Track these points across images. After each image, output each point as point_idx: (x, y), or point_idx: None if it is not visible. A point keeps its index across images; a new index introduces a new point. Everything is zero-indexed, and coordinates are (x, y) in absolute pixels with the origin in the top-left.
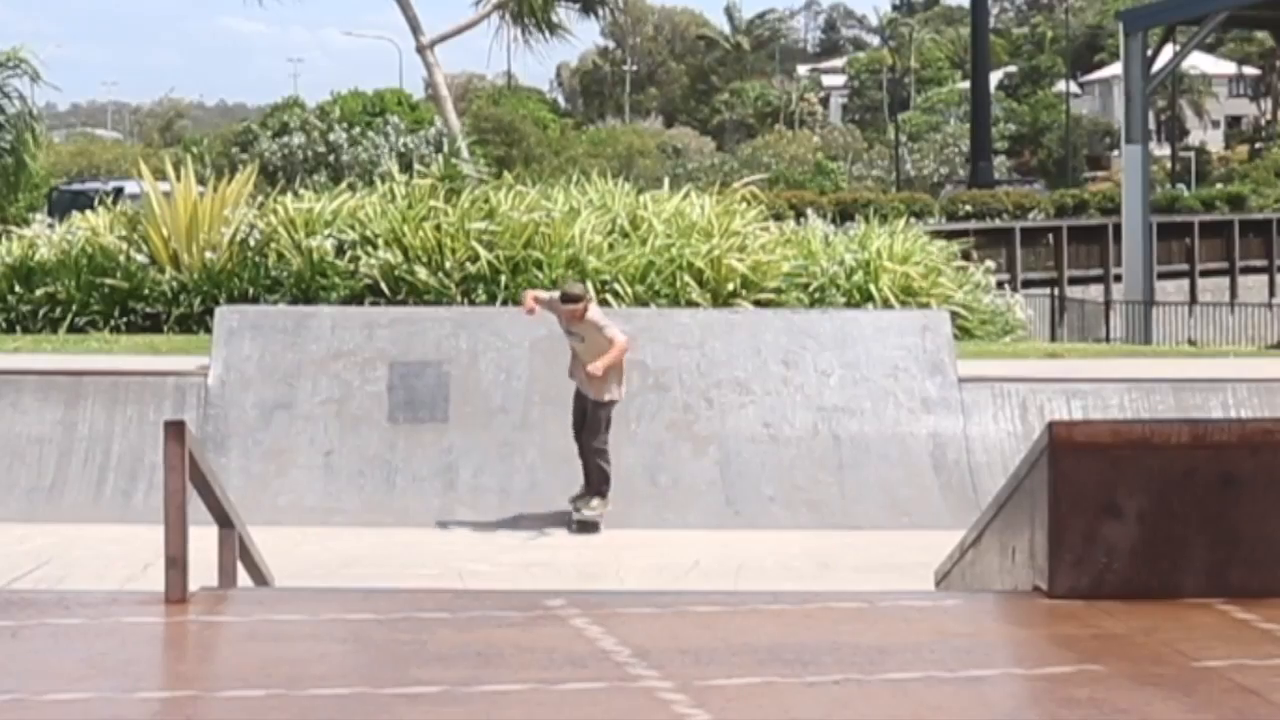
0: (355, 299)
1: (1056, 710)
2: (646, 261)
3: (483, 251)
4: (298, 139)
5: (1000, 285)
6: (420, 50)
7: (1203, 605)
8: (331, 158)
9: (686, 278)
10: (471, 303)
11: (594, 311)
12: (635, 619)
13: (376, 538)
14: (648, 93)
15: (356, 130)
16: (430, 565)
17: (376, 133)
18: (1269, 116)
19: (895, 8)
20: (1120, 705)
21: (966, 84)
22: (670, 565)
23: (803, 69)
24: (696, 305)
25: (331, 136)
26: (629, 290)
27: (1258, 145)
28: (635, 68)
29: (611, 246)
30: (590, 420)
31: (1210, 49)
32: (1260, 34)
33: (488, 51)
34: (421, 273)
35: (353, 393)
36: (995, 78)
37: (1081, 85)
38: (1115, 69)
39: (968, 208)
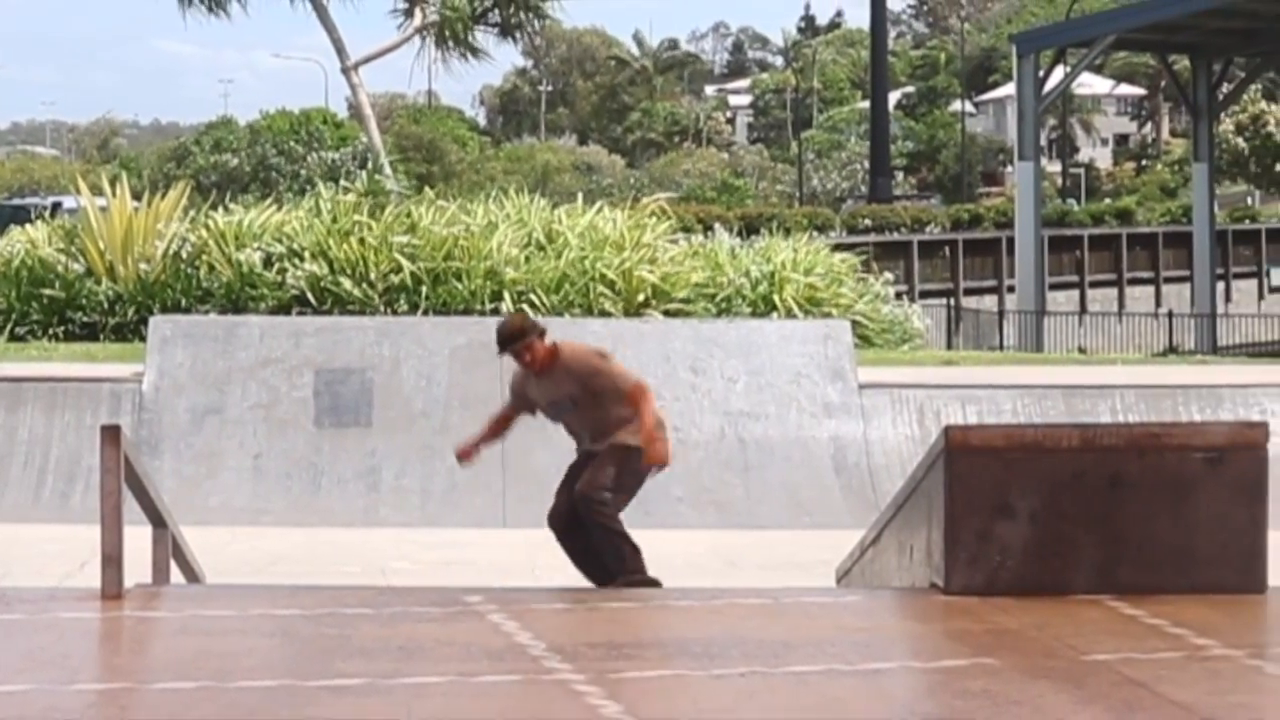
0: (283, 309)
1: (952, 702)
2: (561, 273)
3: (405, 263)
4: (231, 157)
5: (899, 296)
6: (345, 71)
7: (1092, 601)
8: (263, 174)
9: (599, 288)
10: (394, 312)
11: (572, 347)
12: (550, 615)
13: (303, 537)
14: (561, 112)
15: (286, 148)
16: (354, 563)
17: (304, 146)
18: (1154, 135)
19: (799, 31)
20: (1013, 697)
21: (866, 103)
22: None
23: (710, 89)
24: (609, 315)
25: (263, 152)
26: (545, 300)
27: (1144, 162)
28: (550, 88)
29: (528, 259)
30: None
31: (1099, 70)
32: (1146, 56)
33: (410, 72)
34: (346, 284)
35: (280, 398)
36: (894, 98)
37: (976, 105)
38: (1008, 89)
39: (868, 221)
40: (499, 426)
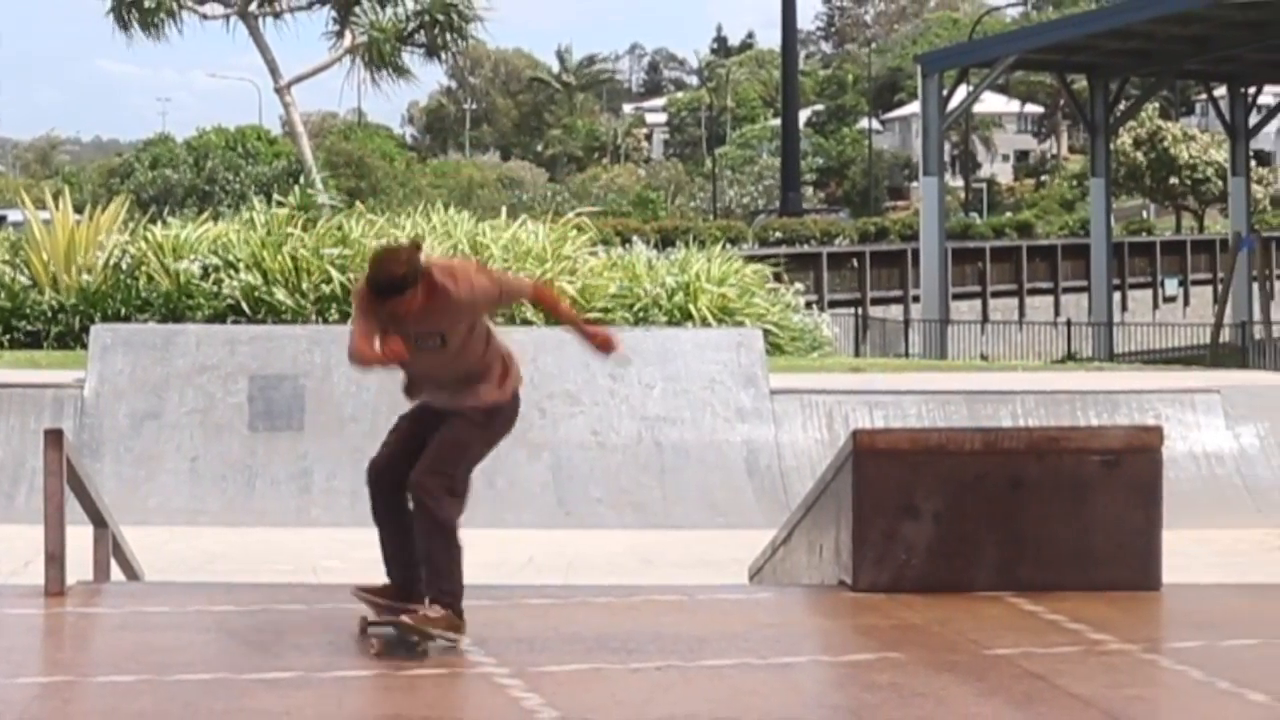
0: (219, 318)
1: (860, 694)
2: None
3: (336, 274)
4: (173, 172)
5: (808, 305)
6: (278, 90)
7: (994, 598)
8: (202, 189)
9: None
10: (325, 321)
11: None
12: (474, 610)
13: (237, 536)
14: (485, 129)
15: (229, 162)
16: (287, 561)
17: (243, 161)
18: (1054, 151)
19: (713, 51)
20: (918, 689)
21: (778, 121)
22: (506, 561)
23: (628, 107)
24: (531, 324)
25: (211, 167)
26: None
27: (1043, 177)
28: (475, 106)
29: None
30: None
31: (1000, 89)
32: (1045, 75)
33: (340, 91)
34: (280, 294)
35: (216, 404)
36: (804, 115)
37: (883, 122)
38: (914, 108)
39: (779, 234)
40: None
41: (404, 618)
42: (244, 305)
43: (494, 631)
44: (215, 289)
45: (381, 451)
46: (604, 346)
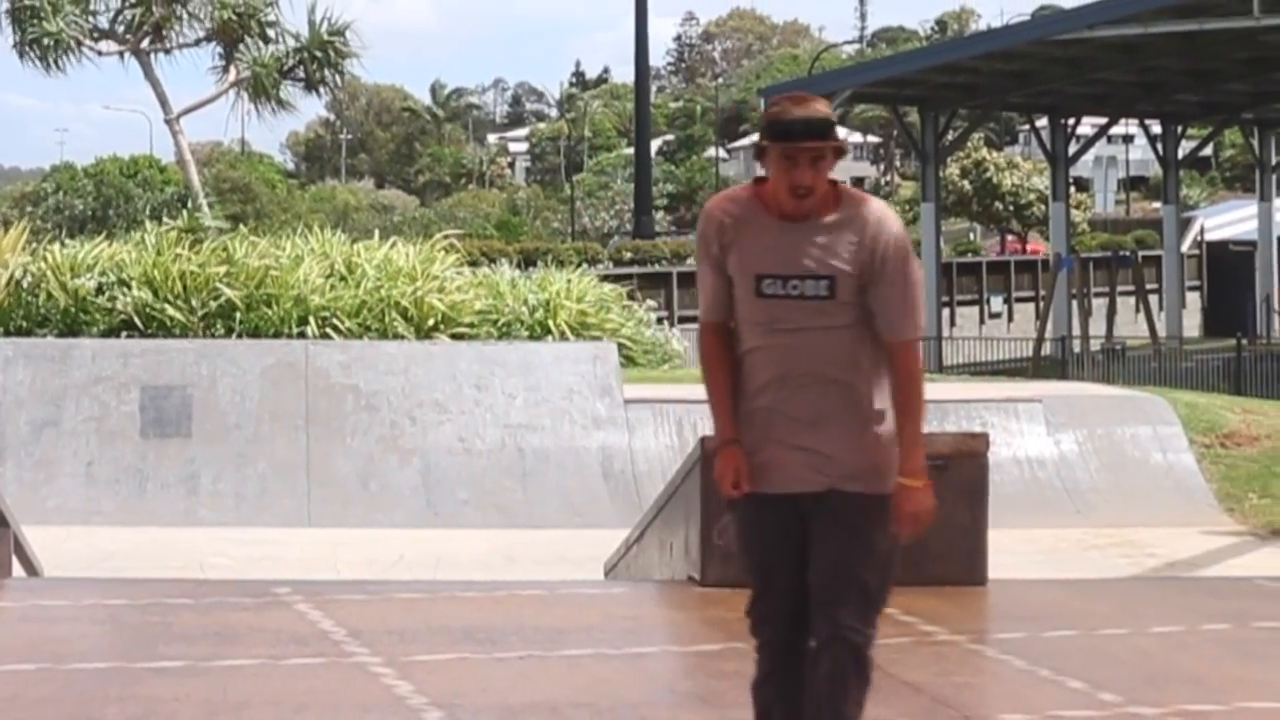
0: (113, 332)
1: (708, 681)
2: (360, 301)
3: (223, 290)
4: (75, 199)
5: (660, 320)
6: (168, 122)
7: None
8: (100, 214)
9: (394, 315)
10: (212, 335)
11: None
12: (350, 604)
13: (131, 535)
14: (361, 157)
15: (126, 189)
16: (176, 559)
17: (140, 189)
18: (888, 177)
19: (572, 85)
20: None
21: (631, 150)
22: (379, 559)
23: (492, 137)
24: (402, 338)
25: (109, 194)
26: (345, 325)
27: None
28: (351, 136)
29: (331, 288)
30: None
31: (838, 120)
32: (880, 108)
33: (225, 122)
34: (169, 310)
35: (110, 412)
36: (656, 144)
37: (729, 151)
38: (757, 138)
39: (632, 255)
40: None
41: None
42: (136, 320)
43: (368, 624)
44: (110, 305)
45: (769, 600)
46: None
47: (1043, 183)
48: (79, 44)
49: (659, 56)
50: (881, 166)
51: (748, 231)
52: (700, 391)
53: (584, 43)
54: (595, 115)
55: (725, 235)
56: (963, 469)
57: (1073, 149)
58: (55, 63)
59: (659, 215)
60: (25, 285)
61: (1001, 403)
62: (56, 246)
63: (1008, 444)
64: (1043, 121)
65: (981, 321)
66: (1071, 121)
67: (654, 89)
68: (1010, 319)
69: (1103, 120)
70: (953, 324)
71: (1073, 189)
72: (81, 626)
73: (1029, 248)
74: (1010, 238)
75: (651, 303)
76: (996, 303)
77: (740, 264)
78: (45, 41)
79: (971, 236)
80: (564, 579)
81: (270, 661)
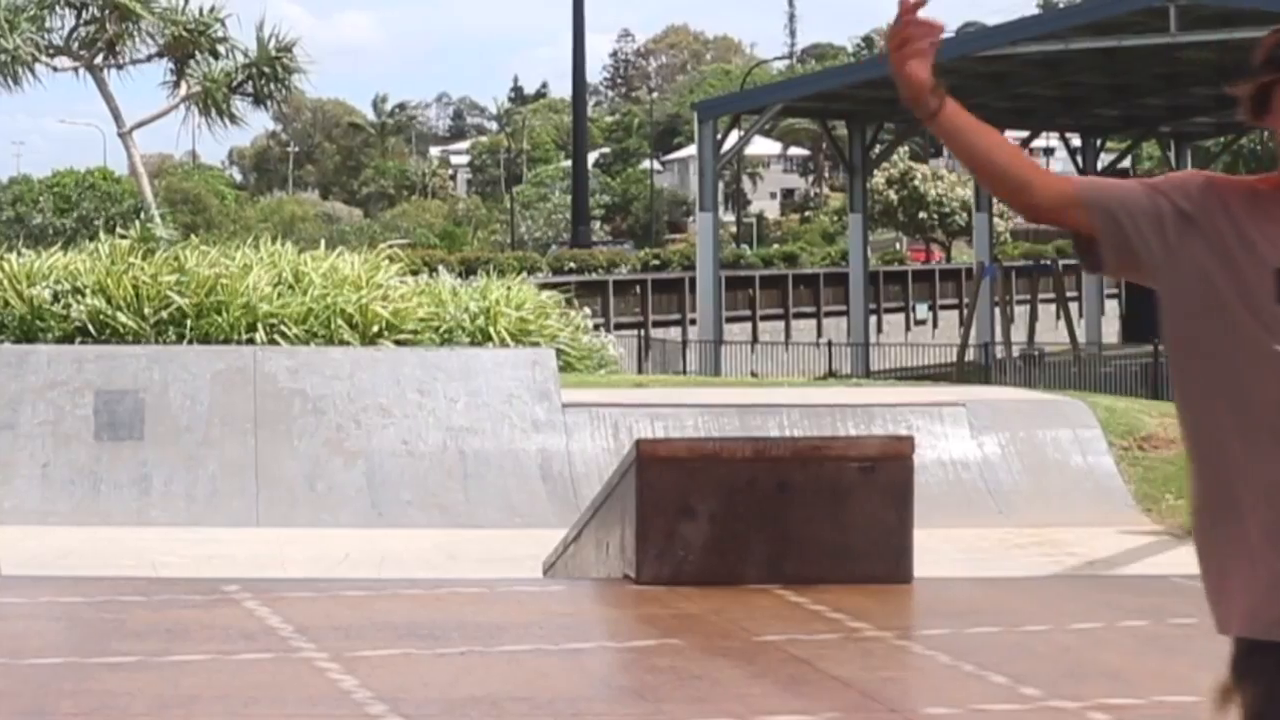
0: (68, 339)
1: (643, 676)
2: (307, 308)
3: (175, 298)
4: (33, 211)
5: (596, 327)
6: (122, 135)
7: (763, 590)
8: (60, 224)
9: (339, 321)
10: (164, 342)
11: None
12: (297, 601)
13: (85, 535)
14: (308, 169)
15: (73, 202)
16: (129, 558)
17: (97, 201)
18: (816, 189)
19: (511, 100)
20: (694, 672)
21: (569, 162)
22: (325, 557)
23: (435, 150)
24: (348, 344)
25: (60, 205)
26: (293, 331)
27: (806, 213)
28: (297, 149)
29: (279, 296)
30: None
31: (769, 134)
32: (809, 121)
33: (176, 135)
34: (122, 317)
35: (65, 416)
36: (592, 157)
37: (663, 163)
38: (691, 150)
39: (570, 264)
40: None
41: None
42: (90, 327)
43: (315, 620)
44: (65, 312)
45: None
46: None
47: (966, 193)
48: (34, 60)
49: (596, 72)
50: (811, 179)
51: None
52: (636, 396)
53: (524, 59)
54: (534, 129)
55: (1212, 221)
56: (889, 470)
57: None
58: (12, 78)
59: (596, 225)
60: None
61: (926, 406)
62: (14, 256)
63: (932, 446)
64: None
65: (908, 328)
66: None
67: (591, 103)
68: (935, 325)
69: (1024, 134)
70: (880, 330)
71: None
72: (38, 623)
73: (933, 256)
74: (916, 247)
75: (588, 310)
76: (922, 310)
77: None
78: (2, 59)
79: (898, 246)
80: (504, 577)
81: (220, 656)
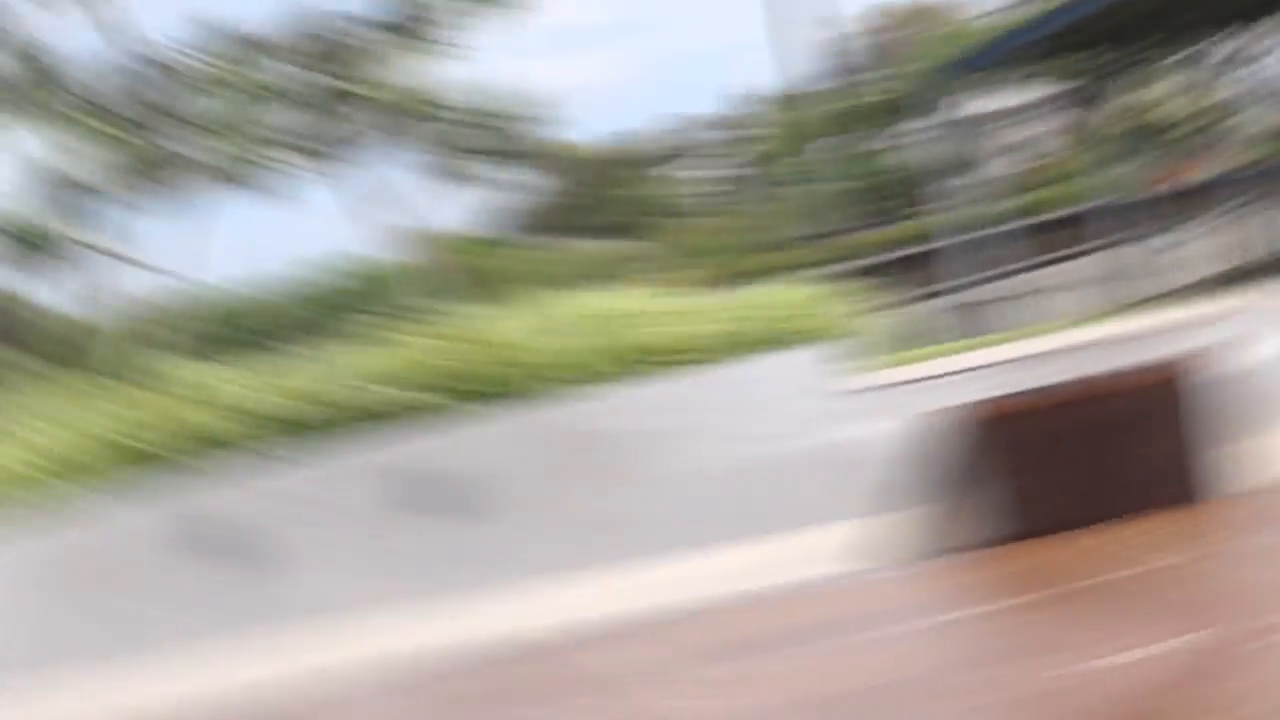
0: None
1: (1017, 637)
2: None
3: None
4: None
5: (913, 301)
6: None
7: (1094, 533)
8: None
9: (634, 356)
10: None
11: None
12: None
13: None
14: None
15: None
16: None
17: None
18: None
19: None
20: (1063, 622)
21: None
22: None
23: (681, 171)
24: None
25: None
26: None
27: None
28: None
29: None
30: None
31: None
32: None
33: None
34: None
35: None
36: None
37: (911, 135)
38: (936, 116)
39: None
40: None
41: None
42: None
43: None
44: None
45: None
46: None
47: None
48: None
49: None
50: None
51: None
52: (924, 369)
53: (736, 64)
54: (771, 130)
55: None
56: (1186, 391)
57: None
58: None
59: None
60: None
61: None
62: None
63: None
64: None
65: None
66: None
67: (815, 93)
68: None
69: None
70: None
71: None
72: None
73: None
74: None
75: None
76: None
77: None
78: None
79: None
80: (839, 571)
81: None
